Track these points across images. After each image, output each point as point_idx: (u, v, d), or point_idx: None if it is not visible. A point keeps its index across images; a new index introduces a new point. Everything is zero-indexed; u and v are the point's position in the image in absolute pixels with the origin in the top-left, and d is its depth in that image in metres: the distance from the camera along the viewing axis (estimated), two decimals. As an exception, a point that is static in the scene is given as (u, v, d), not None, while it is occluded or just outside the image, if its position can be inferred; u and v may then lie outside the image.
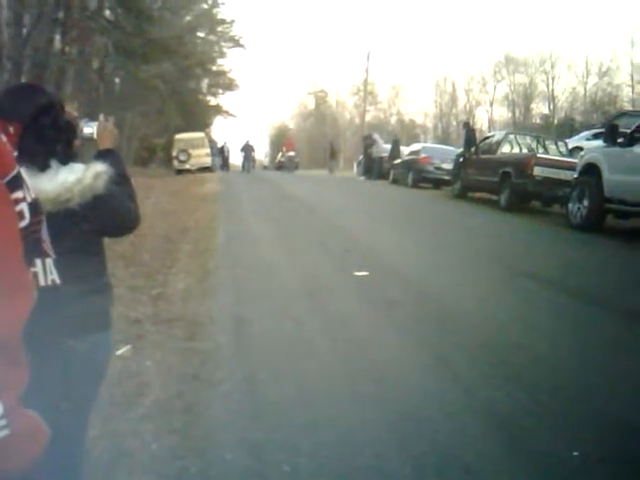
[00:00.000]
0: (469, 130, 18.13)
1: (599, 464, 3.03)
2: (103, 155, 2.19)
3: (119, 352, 4.34)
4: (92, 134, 2.27)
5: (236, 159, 38.01)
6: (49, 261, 1.34)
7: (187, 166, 28.22)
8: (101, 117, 2.33)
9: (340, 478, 2.83)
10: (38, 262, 1.31)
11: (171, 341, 4.64)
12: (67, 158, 1.93)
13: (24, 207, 1.23)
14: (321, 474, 2.86)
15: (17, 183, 1.22)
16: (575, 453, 3.08)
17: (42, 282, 1.31)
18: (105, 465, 2.88)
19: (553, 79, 53.70)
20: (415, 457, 3.02)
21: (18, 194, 1.21)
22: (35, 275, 1.29)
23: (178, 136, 30.42)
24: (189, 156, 28.73)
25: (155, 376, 3.94)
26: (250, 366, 4.18)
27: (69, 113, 2.06)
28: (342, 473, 2.87)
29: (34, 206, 1.27)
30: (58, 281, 1.36)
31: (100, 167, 1.92)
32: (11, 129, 1.55)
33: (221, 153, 35.03)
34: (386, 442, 3.18)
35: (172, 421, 3.32)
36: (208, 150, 29.86)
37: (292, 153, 35.42)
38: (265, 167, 48.49)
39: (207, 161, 29.31)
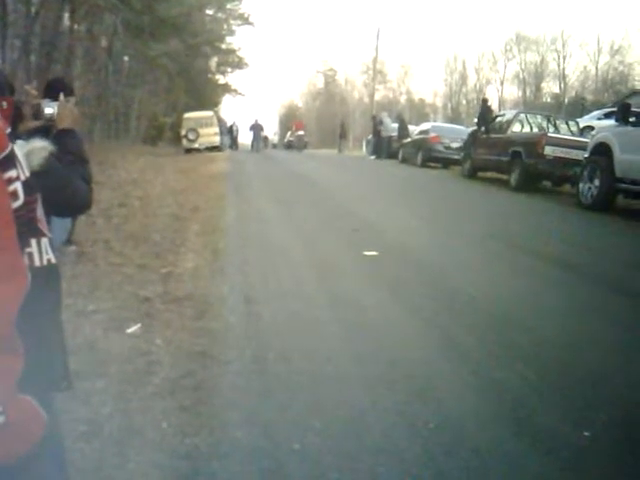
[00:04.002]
0: (485, 106, 17.77)
1: (610, 445, 3.02)
2: (62, 134, 2.19)
3: (129, 330, 4.37)
4: (53, 114, 2.28)
5: (245, 138, 37.94)
6: (45, 241, 1.30)
7: (196, 145, 28.18)
8: (61, 97, 2.33)
9: (349, 457, 2.84)
10: (33, 242, 1.26)
11: (181, 320, 4.65)
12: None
13: (18, 186, 1.19)
14: (330, 453, 2.87)
15: (10, 162, 1.18)
16: (586, 433, 3.08)
17: (37, 263, 1.27)
18: (116, 443, 2.90)
19: (564, 58, 53.29)
20: (424, 437, 3.02)
21: (11, 173, 1.18)
22: (30, 256, 1.26)
23: (187, 115, 30.34)
24: (198, 135, 28.67)
25: (165, 354, 3.96)
26: (259, 345, 4.19)
27: (28, 94, 2.01)
28: (351, 452, 2.88)
29: (29, 185, 1.24)
30: (54, 261, 1.33)
31: (38, 143, 1.88)
32: (4, 104, 1.49)
33: (230, 132, 35.01)
34: (395, 422, 3.19)
35: (182, 399, 3.34)
36: (217, 129, 29.78)
37: (301, 132, 35.28)
38: (274, 146, 48.44)
39: (216, 140, 29.24)
